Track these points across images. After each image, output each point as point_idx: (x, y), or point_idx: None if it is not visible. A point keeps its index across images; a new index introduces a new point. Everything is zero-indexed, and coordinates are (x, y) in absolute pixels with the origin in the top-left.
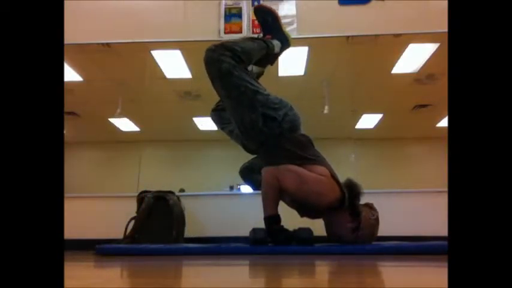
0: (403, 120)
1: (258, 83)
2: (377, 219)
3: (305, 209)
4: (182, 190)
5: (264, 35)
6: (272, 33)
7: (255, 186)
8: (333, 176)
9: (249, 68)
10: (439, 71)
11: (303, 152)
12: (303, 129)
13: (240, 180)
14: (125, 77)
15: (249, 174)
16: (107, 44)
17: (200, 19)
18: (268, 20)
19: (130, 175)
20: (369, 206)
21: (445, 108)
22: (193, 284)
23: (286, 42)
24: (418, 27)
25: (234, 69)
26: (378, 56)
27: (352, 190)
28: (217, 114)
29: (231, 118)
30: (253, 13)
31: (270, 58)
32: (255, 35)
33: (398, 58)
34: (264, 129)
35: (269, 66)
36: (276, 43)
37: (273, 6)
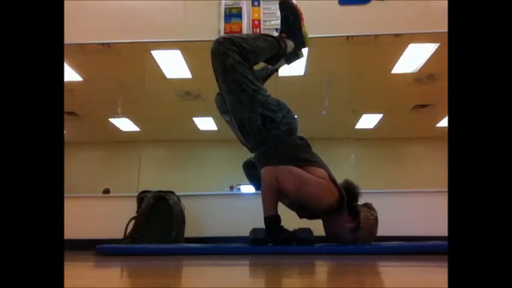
0: (403, 120)
1: (261, 84)
2: (376, 219)
3: (304, 210)
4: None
5: (280, 31)
6: (289, 32)
7: (258, 185)
8: (331, 179)
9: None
10: (439, 71)
11: (301, 154)
12: (302, 130)
13: (240, 180)
14: (125, 77)
15: (252, 168)
16: (107, 44)
17: (200, 19)
18: (289, 17)
19: (130, 175)
20: (368, 206)
21: (445, 108)
22: (194, 284)
23: (301, 44)
24: (418, 27)
25: (239, 65)
26: (378, 56)
27: (350, 191)
28: (221, 99)
29: (230, 114)
30: (278, 6)
31: (289, 59)
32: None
33: (398, 58)
34: (263, 130)
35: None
36: (290, 43)
37: (272, 6)
